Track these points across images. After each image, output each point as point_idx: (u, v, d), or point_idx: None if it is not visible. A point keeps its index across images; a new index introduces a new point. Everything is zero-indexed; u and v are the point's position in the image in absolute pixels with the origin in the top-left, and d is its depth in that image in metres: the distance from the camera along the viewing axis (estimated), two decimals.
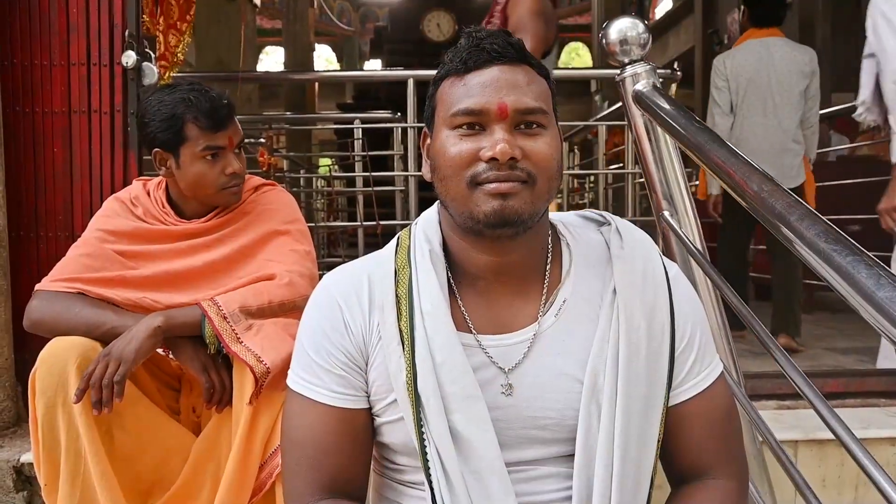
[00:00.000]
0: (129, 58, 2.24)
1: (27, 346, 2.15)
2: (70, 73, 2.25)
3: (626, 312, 0.97)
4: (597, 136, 5.54)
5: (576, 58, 20.37)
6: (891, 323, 0.68)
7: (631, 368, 0.95)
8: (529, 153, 0.93)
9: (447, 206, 0.98)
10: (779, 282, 3.50)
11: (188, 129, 1.54)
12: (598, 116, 5.97)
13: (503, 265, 0.99)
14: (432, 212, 1.07)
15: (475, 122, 0.94)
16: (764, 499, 1.45)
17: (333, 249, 6.06)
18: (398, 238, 1.07)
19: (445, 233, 1.03)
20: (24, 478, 2.02)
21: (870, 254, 0.75)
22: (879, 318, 0.69)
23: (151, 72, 2.30)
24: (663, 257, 1.05)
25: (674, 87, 3.86)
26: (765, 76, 3.30)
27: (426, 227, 1.04)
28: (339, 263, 1.08)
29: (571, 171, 6.33)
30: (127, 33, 2.25)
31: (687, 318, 1.01)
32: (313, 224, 5.98)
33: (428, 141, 1.03)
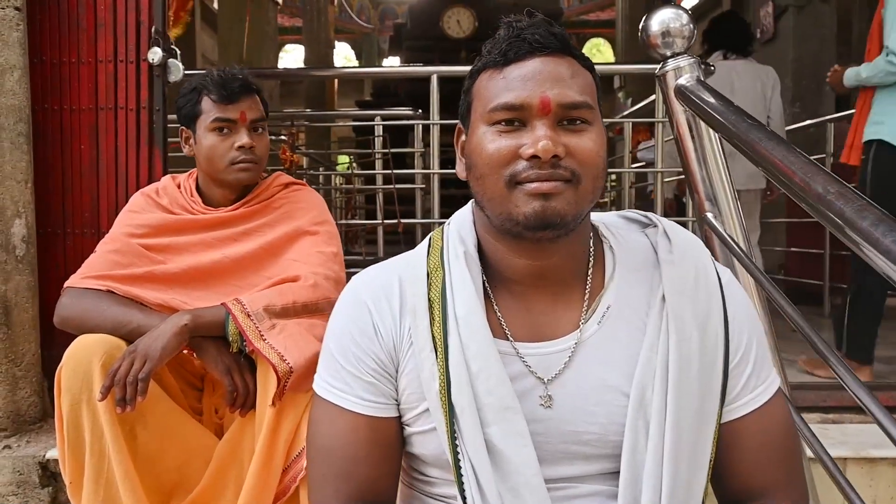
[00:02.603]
0: (156, 54, 2.22)
1: (54, 342, 2.15)
2: (97, 70, 2.25)
3: (677, 322, 0.90)
4: (620, 134, 5.49)
5: (597, 54, 19.95)
6: None
7: (682, 382, 0.89)
8: (574, 150, 0.87)
9: (483, 207, 0.93)
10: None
11: (203, 102, 1.61)
12: (624, 114, 5.91)
13: (542, 269, 0.93)
14: (466, 211, 1.01)
15: (515, 118, 0.88)
16: None
17: (351, 246, 6.06)
18: (430, 239, 1.02)
19: (480, 234, 0.98)
20: (49, 473, 2.02)
21: None
22: None
23: (177, 68, 2.28)
24: (716, 262, 0.99)
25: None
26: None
27: (460, 228, 0.99)
28: (359, 260, 1.04)
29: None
30: (153, 30, 2.24)
31: (742, 329, 0.94)
32: (336, 222, 6.01)
33: (463, 138, 0.97)
